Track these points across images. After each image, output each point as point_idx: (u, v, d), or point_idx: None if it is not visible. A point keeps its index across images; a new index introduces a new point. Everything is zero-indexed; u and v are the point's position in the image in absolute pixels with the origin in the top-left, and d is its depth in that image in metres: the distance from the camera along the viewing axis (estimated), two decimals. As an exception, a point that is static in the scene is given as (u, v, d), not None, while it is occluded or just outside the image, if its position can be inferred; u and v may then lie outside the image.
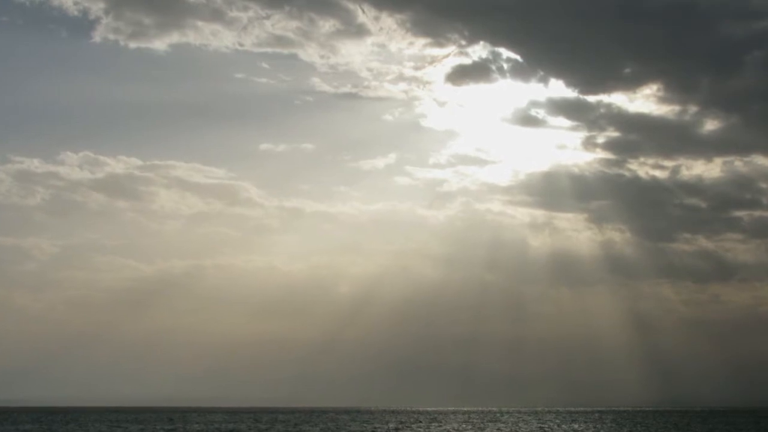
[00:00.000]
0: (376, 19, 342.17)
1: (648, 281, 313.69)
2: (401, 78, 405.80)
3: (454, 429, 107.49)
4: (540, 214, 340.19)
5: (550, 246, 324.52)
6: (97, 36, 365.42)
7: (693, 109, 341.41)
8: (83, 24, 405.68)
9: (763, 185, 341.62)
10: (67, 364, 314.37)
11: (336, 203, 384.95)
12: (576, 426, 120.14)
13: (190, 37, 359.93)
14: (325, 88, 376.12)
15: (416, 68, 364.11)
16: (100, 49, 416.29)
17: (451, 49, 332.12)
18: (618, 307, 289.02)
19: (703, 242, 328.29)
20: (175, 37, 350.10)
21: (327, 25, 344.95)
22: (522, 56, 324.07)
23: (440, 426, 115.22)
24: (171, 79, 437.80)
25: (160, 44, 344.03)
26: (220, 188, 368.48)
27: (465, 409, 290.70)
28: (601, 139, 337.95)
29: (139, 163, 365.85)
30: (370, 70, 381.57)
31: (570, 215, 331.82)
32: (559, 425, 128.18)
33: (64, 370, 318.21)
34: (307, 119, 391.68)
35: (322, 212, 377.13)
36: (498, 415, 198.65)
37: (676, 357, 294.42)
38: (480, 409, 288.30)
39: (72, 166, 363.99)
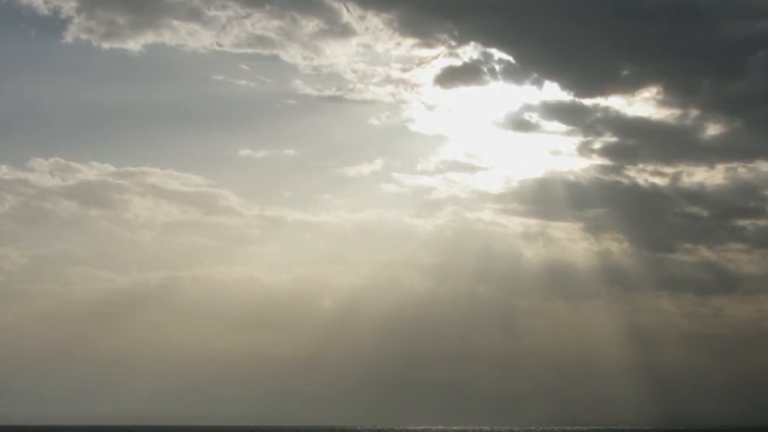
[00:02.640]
0: (362, 18, 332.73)
1: (647, 293, 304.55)
2: (388, 80, 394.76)
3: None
4: (534, 223, 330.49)
5: (544, 257, 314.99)
6: (69, 36, 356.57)
7: (694, 112, 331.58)
8: (54, 23, 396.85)
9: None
10: (36, 380, 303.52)
11: (319, 212, 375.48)
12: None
13: (166, 38, 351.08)
14: (308, 90, 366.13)
15: (404, 70, 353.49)
16: (71, 49, 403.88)
17: (441, 49, 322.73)
18: (616, 320, 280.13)
19: (705, 253, 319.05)
20: (150, 38, 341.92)
21: (310, 24, 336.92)
22: (515, 57, 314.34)
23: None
24: (146, 81, 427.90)
25: (134, 45, 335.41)
26: (198, 196, 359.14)
27: (455, 427, 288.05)
28: (597, 145, 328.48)
29: (113, 169, 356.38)
30: (355, 71, 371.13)
31: (565, 224, 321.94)
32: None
33: (33, 386, 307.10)
34: (289, 123, 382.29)
35: (305, 221, 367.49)
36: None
37: (677, 373, 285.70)
38: (471, 427, 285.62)
39: (42, 172, 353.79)
